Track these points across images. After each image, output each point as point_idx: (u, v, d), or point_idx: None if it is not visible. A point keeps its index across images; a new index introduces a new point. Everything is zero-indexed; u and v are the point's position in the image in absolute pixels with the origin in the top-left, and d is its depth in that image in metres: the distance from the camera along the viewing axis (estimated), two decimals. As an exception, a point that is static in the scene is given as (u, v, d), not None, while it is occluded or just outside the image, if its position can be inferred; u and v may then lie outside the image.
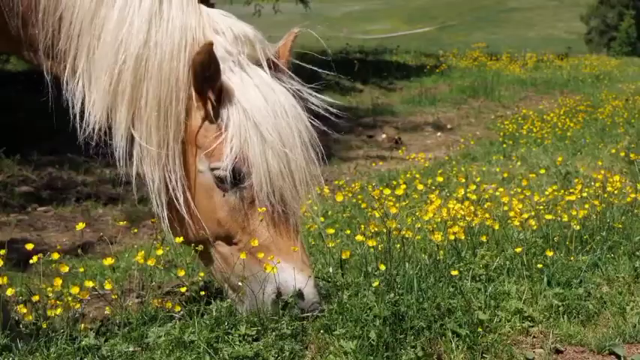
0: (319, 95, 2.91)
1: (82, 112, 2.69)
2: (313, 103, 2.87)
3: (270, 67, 2.79)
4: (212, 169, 2.69)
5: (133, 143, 2.70)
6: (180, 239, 2.82)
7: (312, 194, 2.83)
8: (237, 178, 2.66)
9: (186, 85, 2.64)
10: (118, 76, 2.62)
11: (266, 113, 2.67)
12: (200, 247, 2.82)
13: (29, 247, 2.88)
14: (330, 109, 2.90)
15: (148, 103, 2.62)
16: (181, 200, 2.70)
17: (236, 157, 2.63)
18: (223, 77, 2.67)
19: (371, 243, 3.32)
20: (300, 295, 2.70)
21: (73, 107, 2.71)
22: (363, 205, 3.83)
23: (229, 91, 2.67)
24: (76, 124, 2.70)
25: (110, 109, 2.67)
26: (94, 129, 2.68)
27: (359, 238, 3.45)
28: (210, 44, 2.55)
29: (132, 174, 2.77)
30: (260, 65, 2.77)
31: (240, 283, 2.74)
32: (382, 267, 3.19)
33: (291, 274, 2.69)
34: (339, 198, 3.94)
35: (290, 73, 2.89)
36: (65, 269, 2.77)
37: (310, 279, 2.73)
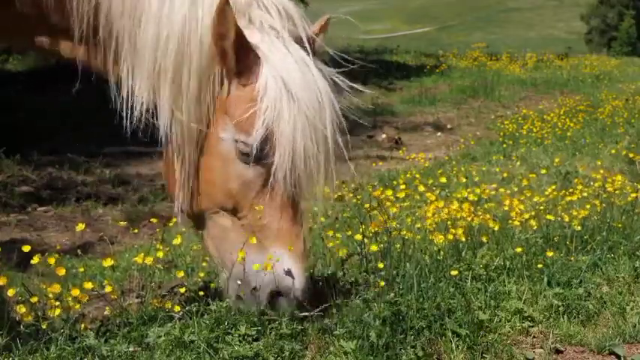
0: (350, 83, 2.85)
1: (128, 96, 2.65)
2: (345, 90, 2.83)
3: (309, 45, 2.73)
4: (236, 140, 2.64)
5: (173, 122, 2.66)
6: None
7: (332, 183, 2.77)
8: (260, 154, 2.61)
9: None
10: (162, 55, 2.59)
11: (302, 89, 2.62)
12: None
13: (26, 249, 2.87)
14: (363, 94, 2.88)
15: (190, 79, 2.60)
16: (197, 168, 2.69)
17: (264, 134, 2.58)
18: (263, 46, 2.62)
19: (374, 248, 3.31)
20: (289, 283, 2.65)
21: (118, 93, 2.67)
22: (367, 206, 3.83)
23: (269, 60, 2.62)
24: (122, 110, 2.66)
25: (155, 88, 2.64)
26: (141, 112, 2.64)
27: (358, 237, 3.45)
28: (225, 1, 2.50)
29: (169, 156, 2.73)
30: (301, 42, 2.72)
31: (232, 257, 2.68)
32: (380, 265, 3.19)
33: (282, 264, 2.64)
34: (339, 199, 3.95)
35: (328, 51, 2.86)
36: (62, 272, 2.75)
37: (302, 268, 2.67)
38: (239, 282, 2.70)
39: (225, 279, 2.79)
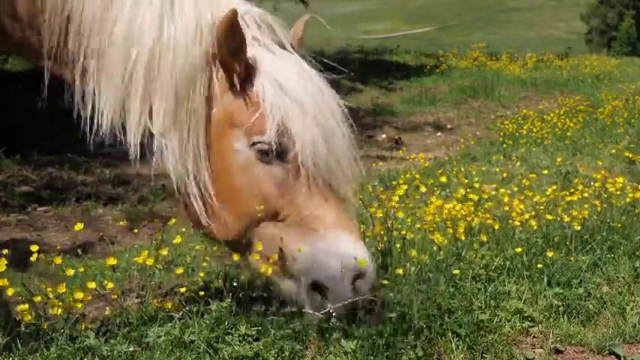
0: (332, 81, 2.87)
1: (92, 112, 2.65)
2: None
3: (293, 50, 2.79)
4: (253, 144, 2.64)
5: (153, 139, 2.66)
6: (213, 234, 2.75)
7: (357, 166, 2.78)
8: (280, 150, 2.62)
9: (203, 74, 2.62)
10: (131, 73, 2.59)
11: (299, 85, 2.65)
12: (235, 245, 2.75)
13: (34, 248, 2.86)
14: (349, 104, 2.89)
15: (163, 97, 2.60)
16: (210, 190, 2.66)
17: (279, 128, 2.60)
18: (253, 55, 2.65)
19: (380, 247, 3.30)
20: (367, 267, 2.60)
21: (83, 108, 2.67)
22: (372, 210, 3.82)
23: (262, 67, 2.65)
24: (85, 124, 2.66)
25: (123, 106, 2.64)
26: (106, 128, 2.64)
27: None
28: (234, 11, 2.52)
29: (151, 170, 2.72)
30: (284, 48, 2.77)
31: (296, 258, 2.63)
32: (401, 270, 3.19)
33: (347, 242, 2.61)
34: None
35: (308, 57, 2.87)
36: (70, 273, 2.75)
37: (363, 246, 2.65)
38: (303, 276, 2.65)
39: (291, 289, 2.72)
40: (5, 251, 2.80)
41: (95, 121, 2.65)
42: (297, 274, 2.67)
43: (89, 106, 2.66)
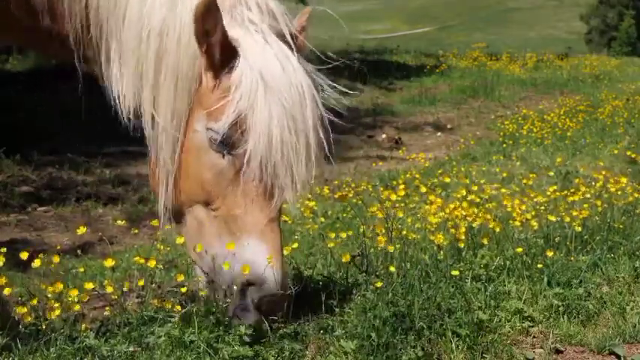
0: (332, 84, 2.82)
1: (118, 97, 2.65)
2: (325, 90, 2.79)
3: (292, 40, 2.71)
4: (208, 129, 2.62)
5: (153, 123, 2.66)
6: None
7: (311, 177, 2.69)
8: (228, 142, 2.58)
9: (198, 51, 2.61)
10: (143, 54, 2.60)
11: (281, 82, 2.59)
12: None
13: (24, 255, 2.87)
14: (343, 97, 2.82)
15: (166, 79, 2.60)
16: (175, 162, 2.67)
17: (234, 120, 2.55)
18: (241, 40, 2.62)
19: (391, 248, 3.28)
20: (260, 271, 2.57)
21: (112, 93, 2.67)
22: (374, 209, 3.83)
23: (246, 53, 2.60)
24: (117, 109, 2.66)
25: (138, 87, 2.64)
26: (129, 112, 2.65)
27: (343, 234, 3.43)
28: None
29: (152, 156, 2.72)
30: (283, 38, 2.70)
31: (207, 253, 2.66)
32: (392, 268, 3.18)
33: (259, 254, 2.58)
34: (343, 200, 3.95)
35: (311, 48, 2.83)
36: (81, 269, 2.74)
37: (278, 262, 2.59)
38: (209, 272, 2.67)
39: (198, 272, 2.77)
40: (3, 249, 2.80)
41: (120, 106, 2.65)
42: (206, 266, 2.71)
43: (115, 91, 2.66)
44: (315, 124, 2.67)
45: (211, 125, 2.60)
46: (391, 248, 3.31)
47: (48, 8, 2.69)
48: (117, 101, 2.66)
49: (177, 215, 2.80)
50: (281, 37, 2.70)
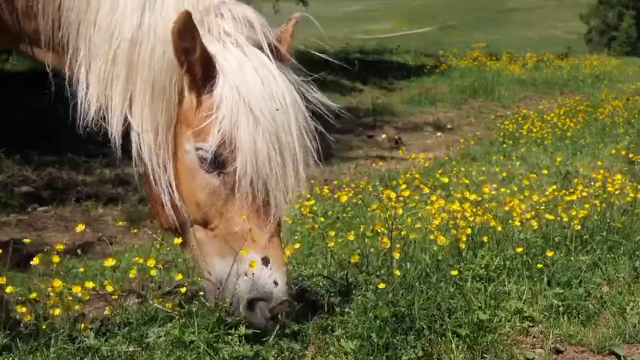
0: (318, 91, 2.80)
1: (82, 100, 2.65)
2: (310, 99, 2.76)
3: (271, 51, 2.69)
4: (197, 149, 2.62)
5: (131, 129, 2.64)
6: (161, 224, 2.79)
7: (302, 187, 2.70)
8: (218, 161, 2.59)
9: (178, 68, 2.59)
10: (112, 61, 2.59)
11: (261, 97, 2.58)
12: (178, 237, 2.79)
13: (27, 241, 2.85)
14: (331, 104, 2.80)
15: (141, 88, 2.59)
16: (169, 183, 2.66)
17: (222, 139, 2.56)
18: (218, 54, 2.61)
19: (396, 254, 3.29)
20: (270, 288, 2.59)
21: (75, 96, 2.67)
22: (374, 207, 3.83)
23: (224, 70, 2.59)
24: (76, 113, 2.65)
25: (106, 94, 2.63)
26: (93, 115, 2.63)
27: (351, 236, 3.44)
28: (187, 13, 2.47)
29: (132, 162, 2.70)
30: (261, 48, 2.68)
31: (209, 268, 2.68)
32: (397, 272, 3.18)
33: (263, 270, 2.60)
34: (344, 198, 3.94)
35: (292, 60, 2.81)
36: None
37: (282, 275, 2.62)
38: (217, 291, 2.68)
39: (206, 288, 2.76)
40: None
41: (83, 109, 2.64)
42: (214, 282, 2.70)
43: (80, 94, 2.66)
44: (300, 132, 2.67)
45: (200, 145, 2.61)
46: (396, 254, 3.30)
47: (22, 9, 2.68)
48: (79, 104, 2.65)
49: (176, 233, 2.81)
50: (259, 47, 2.68)
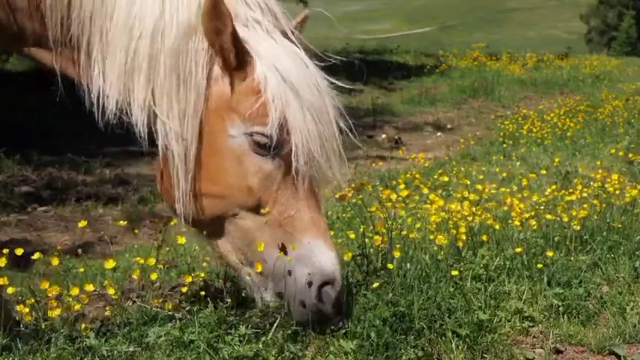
0: (332, 80, 2.78)
1: (99, 96, 2.60)
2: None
3: (295, 38, 2.71)
4: (251, 134, 2.58)
5: (156, 119, 2.60)
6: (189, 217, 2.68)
7: (345, 167, 2.73)
8: (278, 142, 2.56)
9: (205, 53, 2.57)
10: (134, 53, 2.55)
11: (301, 79, 2.59)
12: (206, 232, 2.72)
13: (19, 251, 2.86)
14: (345, 85, 2.80)
15: (166, 76, 2.55)
16: (201, 172, 2.61)
17: (280, 121, 2.54)
18: (250, 39, 2.60)
19: (397, 253, 3.29)
20: (333, 270, 2.57)
21: (90, 93, 2.62)
22: (373, 208, 3.82)
23: (260, 53, 2.59)
24: (93, 109, 2.61)
25: (128, 87, 2.59)
26: (112, 110, 2.59)
27: (351, 234, 3.45)
28: None
29: (157, 151, 2.64)
30: (285, 35, 2.69)
31: (262, 261, 2.61)
32: (390, 266, 3.18)
33: (324, 252, 2.58)
34: (343, 199, 3.92)
35: (312, 48, 2.80)
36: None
37: (336, 258, 2.61)
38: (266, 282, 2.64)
39: (252, 282, 2.71)
40: (5, 250, 2.80)
41: (102, 105, 2.60)
42: (266, 275, 2.65)
43: (96, 90, 2.61)
44: (335, 115, 2.70)
45: (257, 129, 2.57)
46: (397, 253, 3.30)
47: (26, 9, 2.65)
48: (97, 101, 2.60)
49: (209, 227, 2.72)
50: (285, 35, 2.69)
